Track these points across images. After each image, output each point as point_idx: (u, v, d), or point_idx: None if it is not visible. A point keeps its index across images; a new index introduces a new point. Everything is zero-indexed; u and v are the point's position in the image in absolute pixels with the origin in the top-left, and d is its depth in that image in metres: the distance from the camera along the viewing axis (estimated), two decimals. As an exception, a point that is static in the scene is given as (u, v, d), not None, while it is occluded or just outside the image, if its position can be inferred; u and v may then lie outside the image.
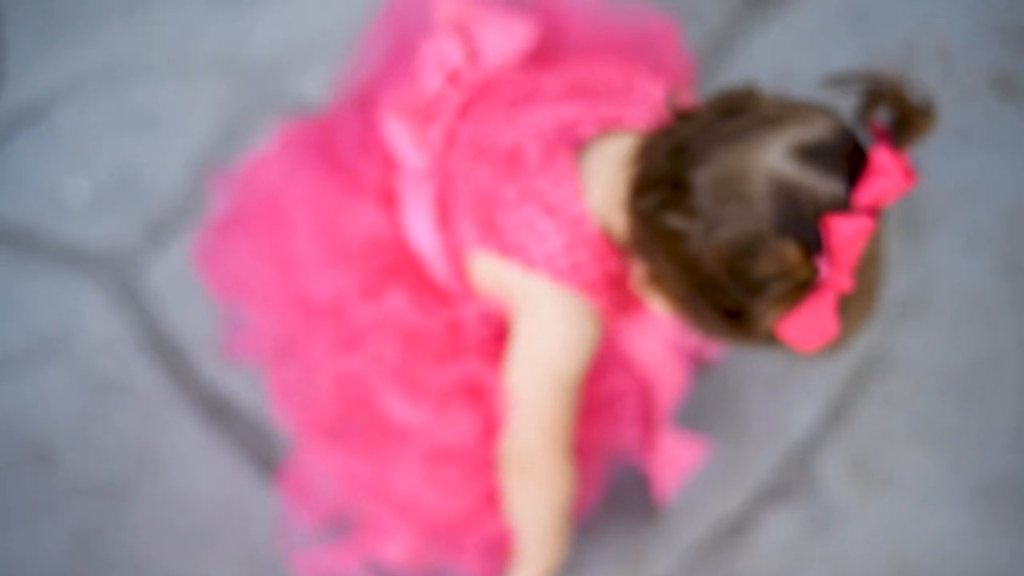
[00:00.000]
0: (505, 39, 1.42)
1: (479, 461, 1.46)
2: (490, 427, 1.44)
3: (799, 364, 1.67)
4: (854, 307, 1.14)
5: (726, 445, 1.64)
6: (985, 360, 1.66)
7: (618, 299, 1.28)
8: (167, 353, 1.70)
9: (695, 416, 1.65)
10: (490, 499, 1.47)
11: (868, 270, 1.13)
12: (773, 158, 1.09)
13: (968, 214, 1.71)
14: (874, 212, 1.09)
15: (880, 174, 1.06)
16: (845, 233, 1.06)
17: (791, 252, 1.07)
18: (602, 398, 1.50)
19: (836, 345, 1.16)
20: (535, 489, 1.36)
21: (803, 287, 1.08)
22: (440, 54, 1.39)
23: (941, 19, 1.80)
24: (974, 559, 1.60)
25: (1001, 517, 1.61)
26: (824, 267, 1.07)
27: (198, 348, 1.71)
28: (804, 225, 1.08)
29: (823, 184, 1.08)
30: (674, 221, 1.13)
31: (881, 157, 1.05)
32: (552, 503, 1.38)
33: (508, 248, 1.25)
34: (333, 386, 1.45)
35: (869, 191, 1.07)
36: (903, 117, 1.06)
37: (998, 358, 1.66)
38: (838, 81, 1.10)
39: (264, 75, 1.83)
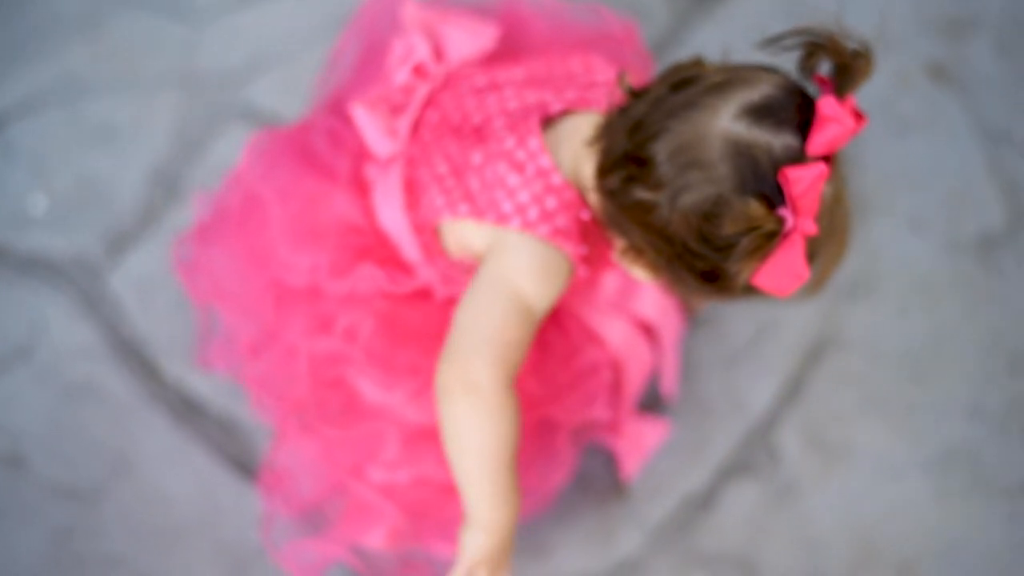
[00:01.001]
0: (469, 38, 1.60)
1: None
2: None
3: (757, 344, 1.84)
4: (827, 247, 1.30)
5: (688, 424, 1.80)
6: (933, 336, 1.84)
7: (589, 250, 1.43)
8: (132, 357, 1.85)
9: (657, 397, 1.81)
10: None
11: (835, 211, 1.29)
12: (725, 121, 1.25)
13: (910, 197, 1.91)
14: (829, 157, 1.24)
15: (829, 121, 1.23)
16: (803, 182, 1.22)
17: (754, 207, 1.22)
18: (578, 371, 1.63)
19: (816, 285, 1.32)
20: (476, 416, 1.38)
21: (771, 238, 1.23)
22: (407, 50, 1.55)
23: (878, 11, 2.00)
24: (933, 525, 1.77)
25: (957, 485, 1.78)
26: (788, 216, 1.23)
27: (162, 352, 1.87)
28: (763, 179, 1.24)
29: (776, 139, 1.24)
30: (640, 194, 1.29)
31: (828, 104, 1.22)
32: (494, 437, 1.39)
33: (480, 209, 1.41)
34: (308, 368, 1.58)
35: (821, 139, 1.23)
36: (842, 63, 1.23)
37: (946, 333, 1.85)
38: (776, 40, 1.25)
39: (217, 86, 2.00)
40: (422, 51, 1.55)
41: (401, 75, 1.55)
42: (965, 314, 1.85)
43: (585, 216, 1.39)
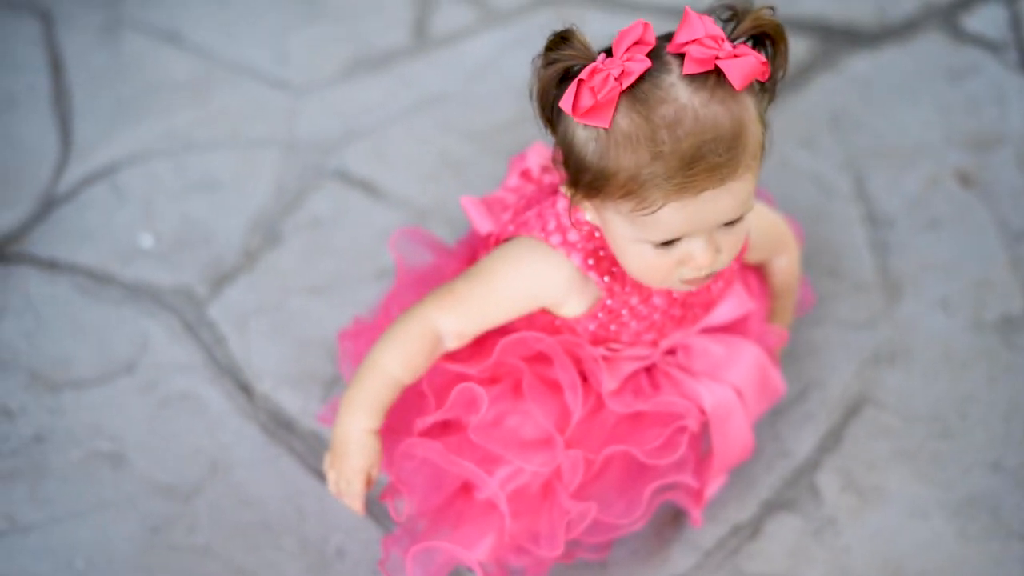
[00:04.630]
0: None
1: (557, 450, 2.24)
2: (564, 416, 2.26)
3: (802, 400, 2.46)
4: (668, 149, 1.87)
5: (741, 465, 2.38)
6: (959, 400, 2.52)
7: (603, 266, 2.09)
8: (227, 377, 2.51)
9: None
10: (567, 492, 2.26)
11: (684, 127, 1.85)
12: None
13: (941, 282, 2.64)
14: (682, 56, 1.86)
15: (689, 23, 1.85)
16: (626, 33, 1.85)
17: (571, 31, 1.88)
18: (662, 410, 2.32)
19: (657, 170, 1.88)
20: (390, 339, 2.17)
21: (582, 63, 1.85)
22: (522, 163, 2.39)
23: (916, 126, 2.71)
24: (956, 563, 2.44)
25: (978, 529, 2.43)
26: (602, 56, 1.86)
27: (255, 375, 2.57)
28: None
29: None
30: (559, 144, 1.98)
31: (695, 16, 1.86)
32: (385, 355, 2.16)
33: (518, 225, 2.19)
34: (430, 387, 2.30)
35: (681, 33, 1.86)
36: (738, 13, 1.90)
37: (970, 399, 2.52)
38: (711, 11, 1.92)
39: (313, 150, 2.69)
40: (532, 162, 2.27)
41: (512, 179, 2.28)
42: (988, 383, 2.51)
43: (597, 239, 2.08)
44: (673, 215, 1.90)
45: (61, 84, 3.00)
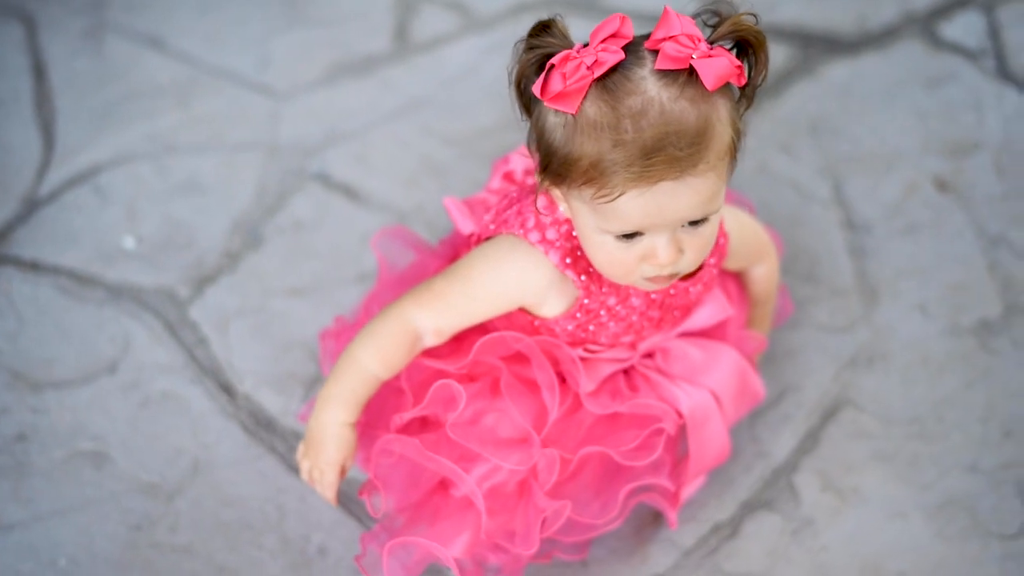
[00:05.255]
0: None
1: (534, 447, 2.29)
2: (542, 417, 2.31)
3: (780, 403, 2.51)
4: (629, 138, 1.91)
5: (721, 466, 2.41)
6: (936, 403, 2.59)
7: (580, 264, 2.14)
8: (208, 377, 2.58)
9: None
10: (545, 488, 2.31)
11: (648, 118, 1.90)
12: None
13: (918, 286, 2.71)
14: (657, 52, 1.92)
15: (667, 21, 1.92)
16: (602, 24, 1.92)
17: (552, 21, 1.96)
18: (640, 412, 2.38)
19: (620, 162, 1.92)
20: (369, 335, 2.23)
21: (555, 52, 1.92)
22: (505, 166, 2.45)
23: (894, 133, 2.76)
24: (934, 562, 2.49)
25: (956, 529, 2.50)
26: (578, 46, 1.93)
27: (236, 375, 2.65)
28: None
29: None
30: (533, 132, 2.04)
31: (673, 15, 1.92)
32: (363, 351, 2.22)
33: (499, 223, 2.25)
34: (410, 386, 2.35)
35: (658, 31, 1.92)
36: (722, 18, 1.95)
37: (948, 400, 2.59)
38: (697, 15, 1.99)
39: (294, 153, 2.74)
40: (516, 165, 2.34)
41: (495, 182, 2.32)
42: (965, 387, 2.58)
43: (573, 237, 2.14)
44: (631, 204, 1.93)
45: (44, 88, 3.06)
